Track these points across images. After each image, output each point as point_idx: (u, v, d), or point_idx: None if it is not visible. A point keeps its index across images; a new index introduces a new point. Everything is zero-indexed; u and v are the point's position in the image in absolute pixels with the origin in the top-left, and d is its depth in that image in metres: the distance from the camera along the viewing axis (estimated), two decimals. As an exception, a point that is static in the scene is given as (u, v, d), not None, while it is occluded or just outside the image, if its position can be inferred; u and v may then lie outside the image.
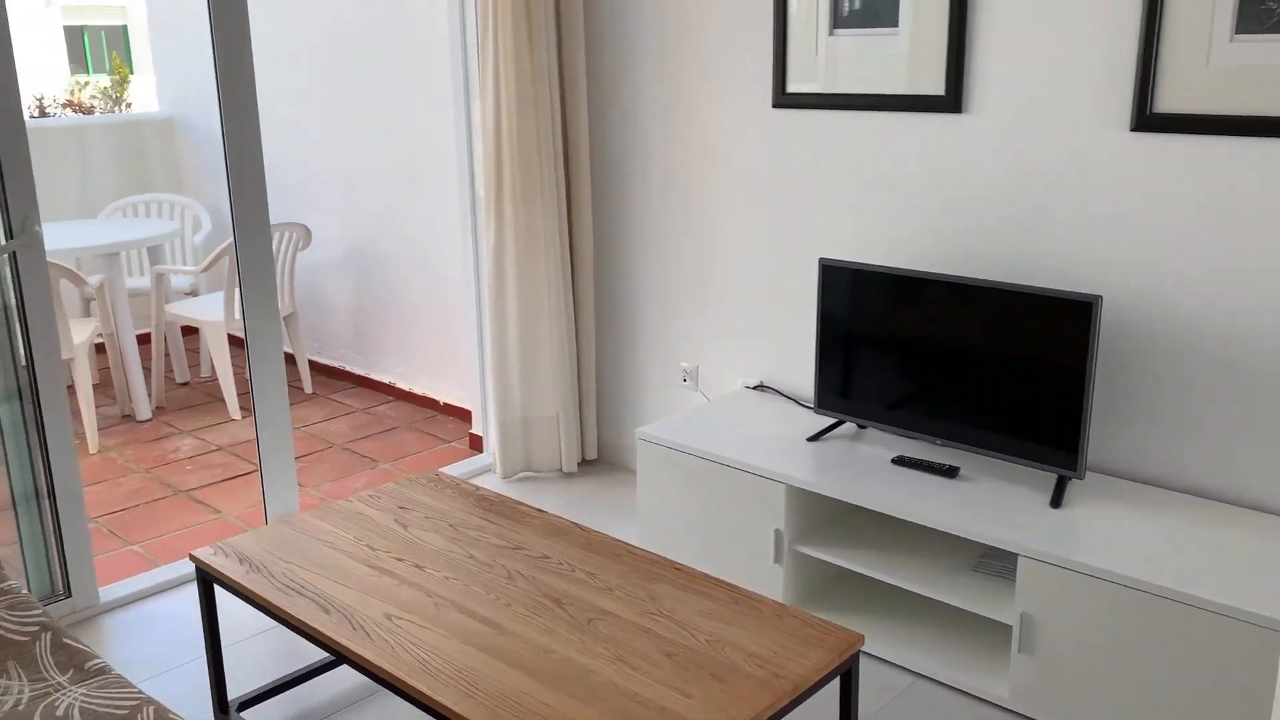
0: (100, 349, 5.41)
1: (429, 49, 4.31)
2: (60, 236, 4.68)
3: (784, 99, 3.20)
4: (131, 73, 17.65)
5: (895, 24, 2.92)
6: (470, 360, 4.15)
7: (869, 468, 2.81)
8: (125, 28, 18.71)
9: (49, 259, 4.66)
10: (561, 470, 3.87)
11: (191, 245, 5.33)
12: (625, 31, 3.56)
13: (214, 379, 5.14)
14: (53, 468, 2.92)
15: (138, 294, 4.96)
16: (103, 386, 5.04)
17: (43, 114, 6.56)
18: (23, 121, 2.67)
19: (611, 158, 3.73)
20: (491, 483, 3.86)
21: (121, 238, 4.61)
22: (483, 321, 4.10)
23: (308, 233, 4.79)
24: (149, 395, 4.73)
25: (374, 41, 4.59)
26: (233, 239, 3.23)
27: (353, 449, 4.30)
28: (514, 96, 3.51)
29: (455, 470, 3.95)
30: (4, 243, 2.71)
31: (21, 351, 2.83)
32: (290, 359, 5.31)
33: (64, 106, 6.62)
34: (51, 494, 2.94)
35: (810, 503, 2.86)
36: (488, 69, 3.53)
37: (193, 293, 5.21)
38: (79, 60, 18.16)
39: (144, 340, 5.13)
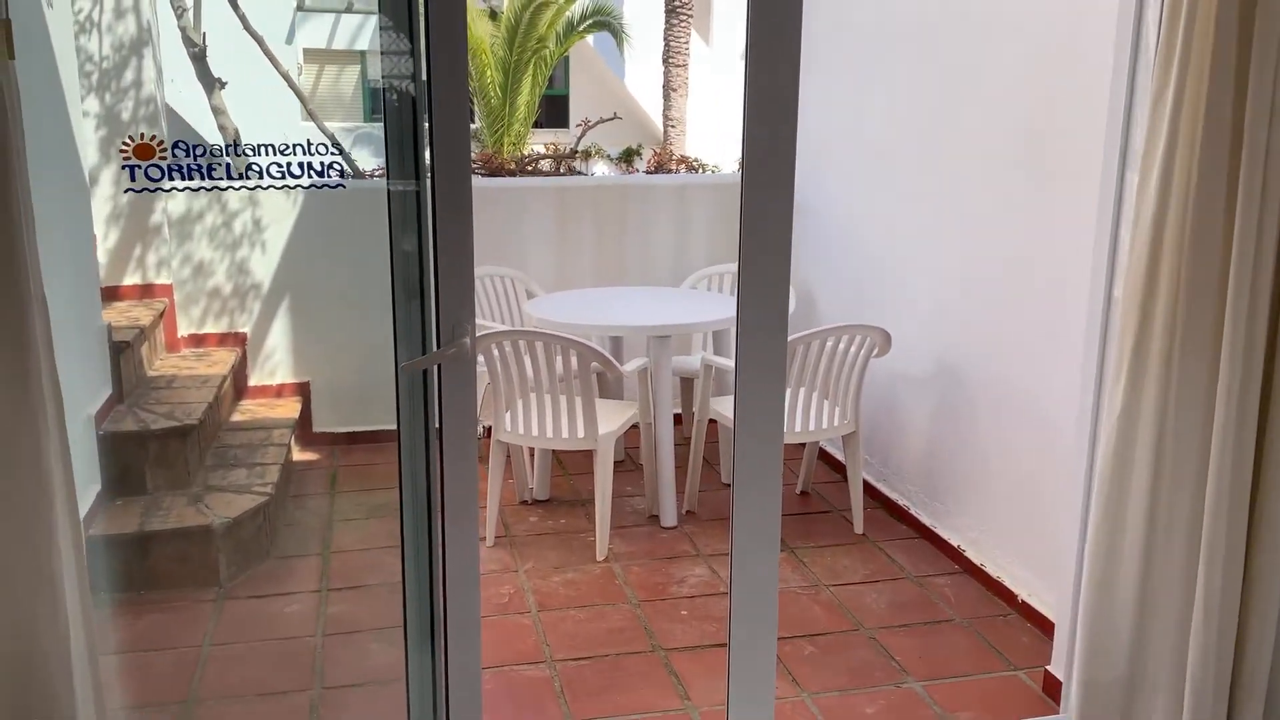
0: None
1: (1075, 115, 3.04)
2: (617, 309, 4.25)
3: None
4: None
5: None
6: (1065, 559, 2.82)
7: None
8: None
9: (604, 335, 4.29)
10: (1181, 800, 2.38)
11: (764, 328, 4.63)
12: None
13: (760, 487, 4.37)
14: (449, 612, 2.29)
15: (691, 376, 4.39)
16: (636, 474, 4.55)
17: (659, 168, 6.49)
18: (470, 213, 2.05)
19: (1368, 307, 2.15)
20: (1061, 773, 2.51)
21: (681, 320, 4.04)
22: (1089, 514, 2.74)
23: (886, 338, 3.78)
24: (679, 499, 4.11)
25: (997, 113, 3.42)
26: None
27: (882, 642, 3.20)
28: (1193, 174, 2.15)
29: (1008, 734, 2.65)
30: (435, 350, 2.11)
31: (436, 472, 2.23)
32: (842, 479, 4.35)
33: (678, 162, 6.47)
34: (446, 642, 2.32)
35: None
36: (1159, 132, 2.20)
37: (757, 382, 4.51)
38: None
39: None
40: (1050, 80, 3.20)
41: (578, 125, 8.07)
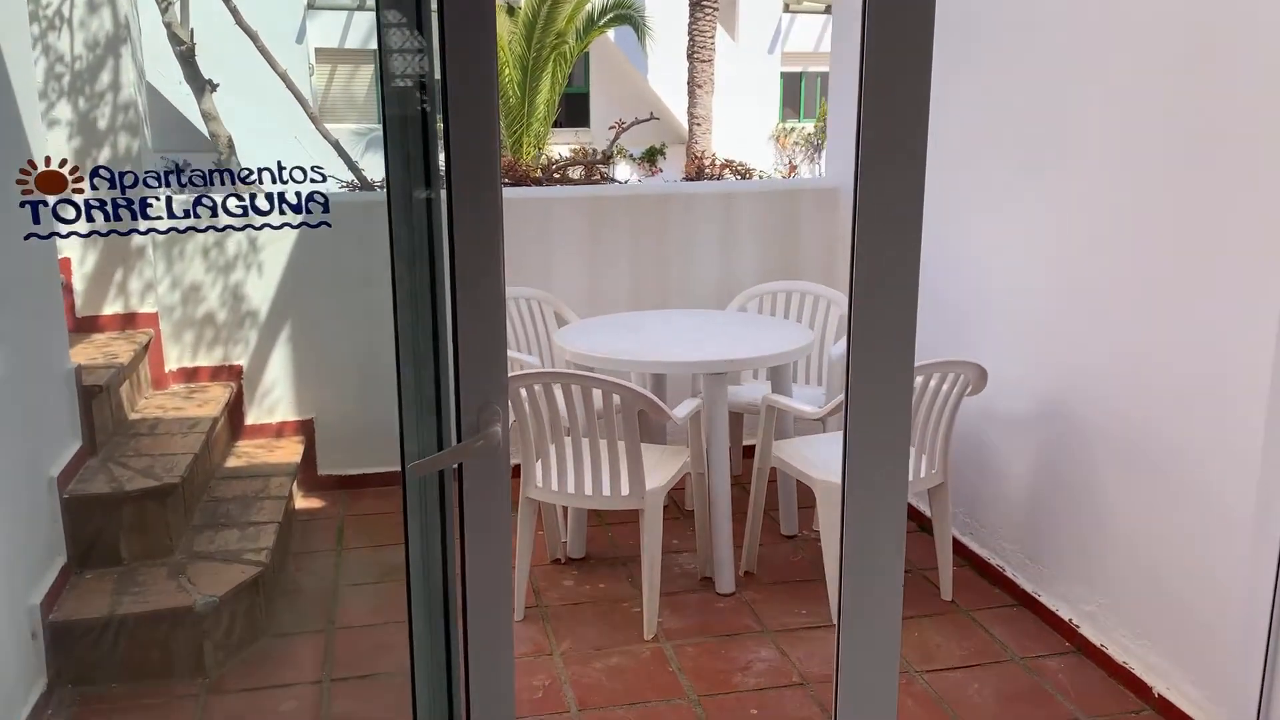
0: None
1: (1252, 105, 2.47)
2: (662, 339, 3.71)
3: None
4: (836, 119, 17.69)
5: None
6: (1237, 656, 2.27)
7: None
8: (838, 74, 18.84)
9: (649, 371, 3.75)
10: None
11: (827, 359, 4.08)
12: None
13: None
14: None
15: (743, 410, 3.84)
16: (683, 524, 4.01)
17: (699, 174, 5.96)
18: (499, 249, 1.52)
19: None
20: None
21: (740, 354, 3.49)
22: (1277, 622, 2.19)
23: (981, 375, 3.23)
24: (736, 559, 3.56)
25: (1139, 108, 2.86)
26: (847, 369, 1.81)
27: (995, 750, 2.65)
28: None
29: None
30: (453, 444, 1.58)
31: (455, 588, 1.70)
32: (918, 529, 3.79)
33: (722, 168, 5.93)
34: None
35: None
36: None
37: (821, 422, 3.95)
38: (793, 105, 18.72)
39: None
40: (1215, 71, 2.63)
41: (610, 127, 7.52)
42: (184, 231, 1.41)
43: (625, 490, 3.16)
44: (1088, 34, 3.05)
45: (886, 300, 1.76)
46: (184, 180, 1.40)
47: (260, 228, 1.41)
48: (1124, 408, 2.96)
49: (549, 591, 3.50)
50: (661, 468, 3.32)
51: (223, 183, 1.44)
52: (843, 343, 4.11)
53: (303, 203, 1.44)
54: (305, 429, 4.36)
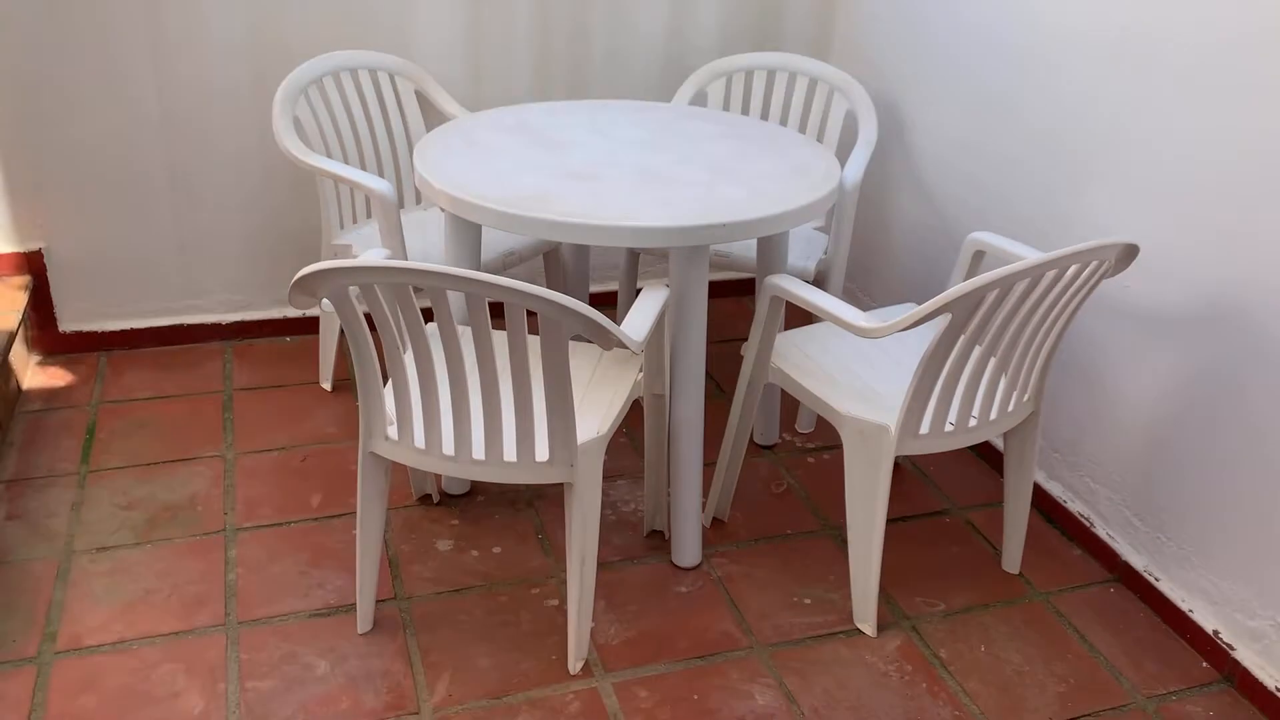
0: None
1: None
2: (594, 172, 2.24)
3: None
4: None
5: None
6: None
7: None
8: None
9: (589, 241, 2.17)
10: None
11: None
12: None
13: (825, 451, 2.67)
14: None
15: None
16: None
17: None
18: None
19: None
20: None
21: (737, 214, 2.06)
22: None
23: (1127, 255, 1.97)
24: (702, 499, 2.36)
25: None
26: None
27: None
28: None
29: None
30: None
31: None
32: (983, 475, 2.60)
33: None
34: None
35: None
36: None
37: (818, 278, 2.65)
38: None
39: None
40: None
41: None
42: None
43: (544, 454, 1.87)
44: None
45: None
46: None
47: None
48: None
49: (414, 564, 2.26)
50: (597, 398, 2.02)
51: None
52: (861, 156, 2.74)
53: None
54: (31, 265, 2.85)
